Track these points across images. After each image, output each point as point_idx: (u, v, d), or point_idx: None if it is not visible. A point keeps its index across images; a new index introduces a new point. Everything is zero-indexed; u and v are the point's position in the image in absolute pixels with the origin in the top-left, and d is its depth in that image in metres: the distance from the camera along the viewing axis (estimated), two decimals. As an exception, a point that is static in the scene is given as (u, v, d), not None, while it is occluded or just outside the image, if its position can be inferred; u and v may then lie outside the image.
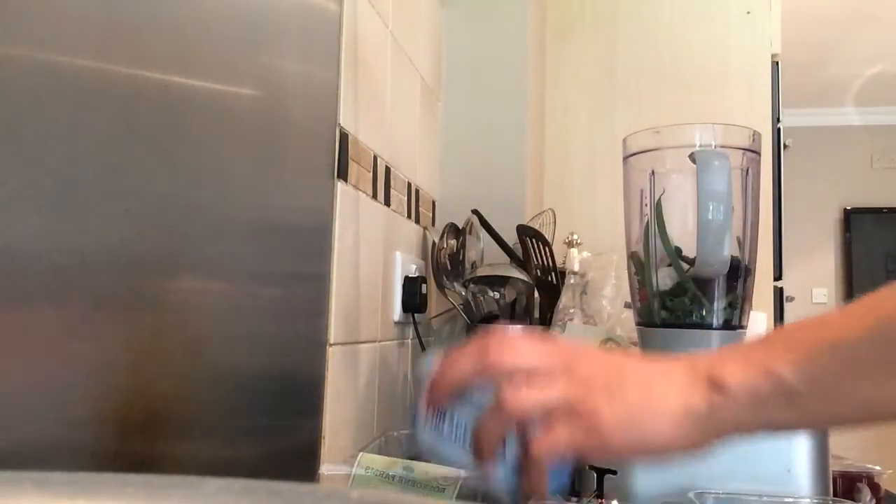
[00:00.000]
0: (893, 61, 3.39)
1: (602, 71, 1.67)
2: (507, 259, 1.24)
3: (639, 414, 0.47)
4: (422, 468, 0.70)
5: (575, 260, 1.20)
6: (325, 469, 0.76)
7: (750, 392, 0.46)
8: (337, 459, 0.79)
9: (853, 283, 4.29)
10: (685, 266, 0.81)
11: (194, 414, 0.56)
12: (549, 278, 1.20)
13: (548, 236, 1.24)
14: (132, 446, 0.48)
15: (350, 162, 0.88)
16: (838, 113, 4.14)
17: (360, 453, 0.72)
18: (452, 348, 0.50)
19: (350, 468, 0.71)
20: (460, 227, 1.21)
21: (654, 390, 0.48)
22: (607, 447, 0.47)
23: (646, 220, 0.85)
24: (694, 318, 0.80)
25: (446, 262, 1.18)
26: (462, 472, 0.69)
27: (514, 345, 0.50)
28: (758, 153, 0.85)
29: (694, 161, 0.79)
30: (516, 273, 1.15)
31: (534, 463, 0.48)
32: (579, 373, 0.48)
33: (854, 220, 4.29)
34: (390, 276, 1.06)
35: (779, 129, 1.67)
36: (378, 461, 0.71)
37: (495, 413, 0.48)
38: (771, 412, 0.47)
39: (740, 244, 0.82)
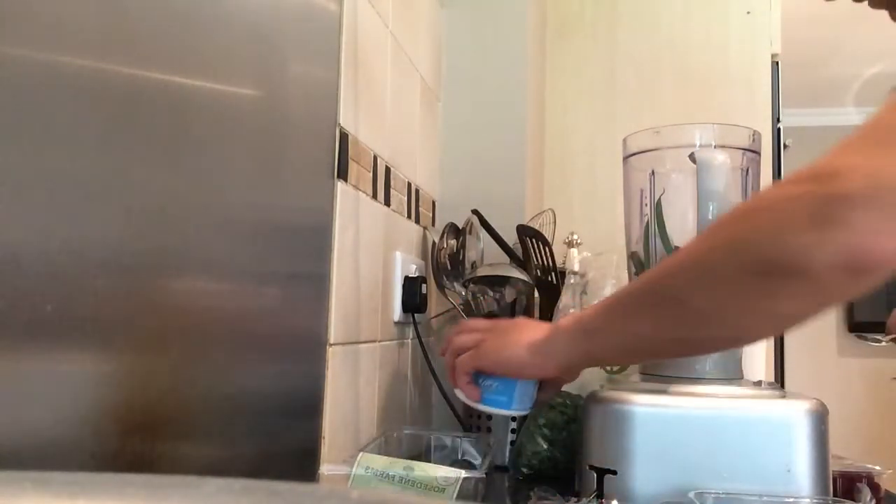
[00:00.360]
0: (893, 61, 3.39)
1: (602, 71, 1.67)
2: (507, 259, 1.24)
3: (506, 345, 0.76)
4: (422, 468, 0.70)
5: (575, 260, 1.20)
6: (325, 469, 0.76)
7: (568, 330, 0.72)
8: (337, 459, 0.79)
9: (853, 283, 4.26)
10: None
11: (194, 414, 0.56)
12: (549, 278, 1.20)
13: (548, 236, 1.24)
14: (132, 446, 0.48)
15: (350, 162, 0.88)
16: (838, 113, 4.13)
17: (360, 453, 0.72)
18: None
19: (350, 468, 0.71)
20: (460, 227, 1.21)
21: (522, 334, 0.76)
22: (485, 364, 0.77)
23: (646, 220, 0.85)
24: (694, 318, 0.80)
25: (446, 262, 1.18)
26: (462, 472, 0.70)
27: (470, 322, 0.85)
28: (758, 153, 0.85)
29: (694, 161, 0.79)
30: (516, 273, 1.15)
31: (455, 372, 0.79)
32: (495, 330, 0.79)
33: (854, 220, 4.27)
34: (390, 276, 1.06)
35: (779, 129, 1.67)
36: (378, 461, 0.71)
37: (447, 351, 0.81)
38: (581, 344, 0.70)
39: (740, 244, 0.82)
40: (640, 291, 0.65)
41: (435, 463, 0.82)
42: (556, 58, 1.68)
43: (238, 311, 0.62)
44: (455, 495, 0.68)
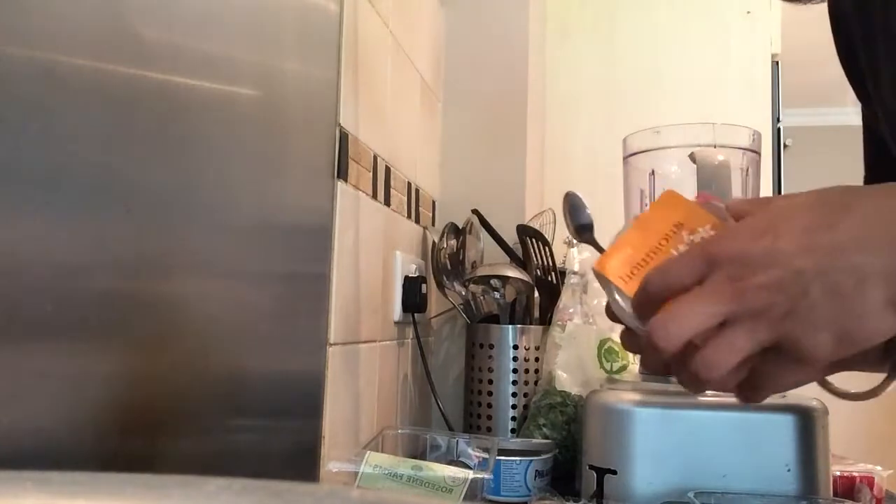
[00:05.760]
0: (893, 61, 3.38)
1: (602, 71, 1.67)
2: (507, 259, 1.24)
3: (847, 303, 0.43)
4: (430, 468, 0.70)
5: (575, 260, 1.20)
6: (333, 466, 0.76)
7: None
8: (337, 459, 0.79)
9: (853, 283, 4.26)
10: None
11: (194, 414, 0.56)
12: (549, 278, 1.20)
13: (548, 236, 1.24)
14: (132, 446, 0.48)
15: (350, 162, 0.88)
16: (838, 113, 4.13)
17: (368, 451, 0.72)
18: None
19: (358, 466, 0.71)
20: (460, 227, 1.21)
21: (862, 253, 0.43)
22: (804, 346, 0.45)
23: (646, 220, 0.85)
24: (694, 318, 0.80)
25: (446, 262, 1.18)
26: (470, 473, 0.70)
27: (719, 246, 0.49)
28: (758, 153, 0.85)
29: (694, 161, 0.79)
30: (516, 273, 1.15)
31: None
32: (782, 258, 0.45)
33: (854, 220, 4.27)
34: (390, 276, 1.06)
35: (779, 129, 1.68)
36: (386, 460, 0.71)
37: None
38: None
39: (740, 244, 0.82)
40: None
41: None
42: (556, 58, 1.68)
43: (238, 311, 0.62)
44: (462, 496, 0.68)
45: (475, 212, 1.24)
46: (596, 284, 1.16)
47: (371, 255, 0.97)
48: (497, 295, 1.16)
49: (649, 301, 0.48)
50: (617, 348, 1.08)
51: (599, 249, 0.73)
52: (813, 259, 0.44)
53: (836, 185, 0.48)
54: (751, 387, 0.48)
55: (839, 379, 0.56)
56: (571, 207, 0.75)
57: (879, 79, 0.62)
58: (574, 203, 0.75)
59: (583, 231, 0.74)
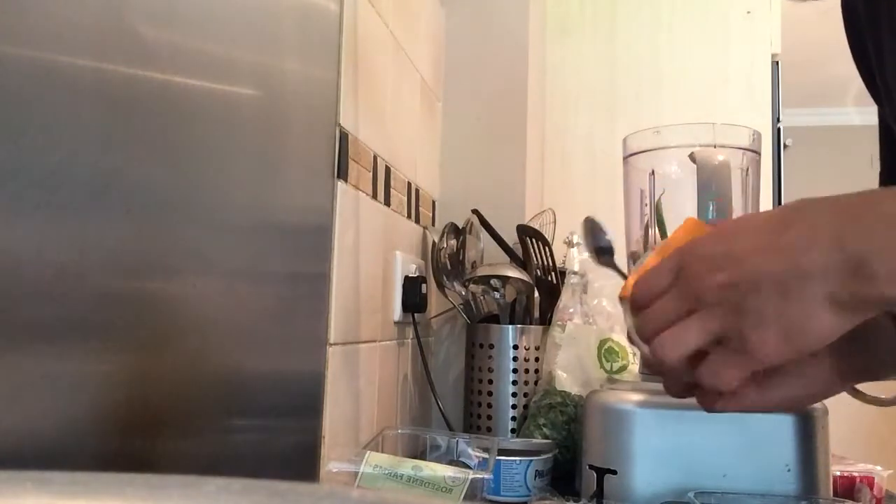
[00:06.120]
0: (893, 61, 3.37)
1: (602, 71, 1.67)
2: (507, 259, 1.24)
3: (789, 306, 0.46)
4: (430, 467, 0.70)
5: (575, 260, 1.20)
6: (333, 466, 0.76)
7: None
8: (337, 459, 0.79)
9: (853, 283, 4.26)
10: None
11: (194, 414, 0.56)
12: (549, 278, 1.20)
13: (548, 236, 1.24)
14: (132, 446, 0.48)
15: (350, 162, 0.88)
16: (838, 113, 4.13)
17: (368, 451, 0.72)
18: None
19: (357, 466, 0.71)
20: (460, 227, 1.21)
21: (794, 259, 0.46)
22: (767, 358, 0.48)
23: (646, 220, 0.85)
24: (694, 318, 0.80)
25: (446, 262, 1.18)
26: (470, 473, 0.70)
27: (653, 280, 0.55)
28: (758, 153, 0.85)
29: (694, 161, 0.79)
30: (516, 273, 1.15)
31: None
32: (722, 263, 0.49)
33: (854, 220, 4.26)
34: (390, 276, 1.06)
35: (779, 129, 1.67)
36: (386, 460, 0.71)
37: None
38: None
39: (740, 244, 0.82)
40: None
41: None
42: (556, 58, 1.68)
43: (238, 311, 0.62)
44: (463, 496, 0.68)
45: (475, 212, 1.24)
46: (596, 284, 1.16)
47: (371, 255, 0.97)
48: (497, 295, 1.16)
49: (639, 308, 0.54)
50: (617, 348, 1.08)
51: (619, 273, 0.75)
52: (763, 258, 0.47)
53: (848, 188, 0.50)
54: (704, 389, 0.53)
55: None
56: (590, 231, 0.77)
57: (886, 76, 0.62)
58: (593, 227, 0.77)
59: (602, 254, 0.76)
